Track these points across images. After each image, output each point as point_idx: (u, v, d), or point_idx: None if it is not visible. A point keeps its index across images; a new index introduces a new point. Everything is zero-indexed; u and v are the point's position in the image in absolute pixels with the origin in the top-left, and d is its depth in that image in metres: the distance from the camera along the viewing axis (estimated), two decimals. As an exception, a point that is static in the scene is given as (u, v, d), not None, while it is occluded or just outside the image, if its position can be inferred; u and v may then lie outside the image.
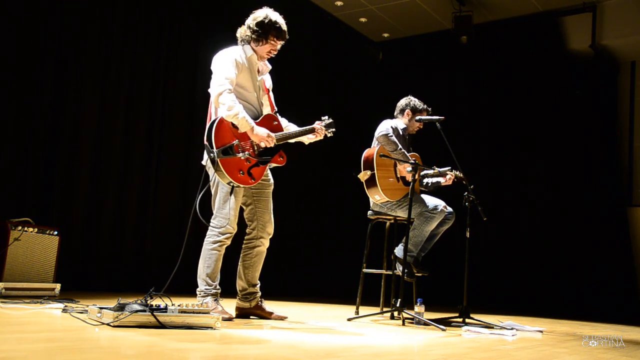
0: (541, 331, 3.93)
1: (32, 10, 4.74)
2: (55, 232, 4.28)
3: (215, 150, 3.14)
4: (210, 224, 3.39)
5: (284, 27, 3.47)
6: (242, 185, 3.29)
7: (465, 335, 3.47)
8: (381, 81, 7.95)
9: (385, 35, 8.19)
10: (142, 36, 5.61)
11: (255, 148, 3.33)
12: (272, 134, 3.35)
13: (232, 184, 3.25)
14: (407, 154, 4.19)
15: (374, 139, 4.32)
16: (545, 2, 7.05)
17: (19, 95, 4.68)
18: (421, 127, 4.47)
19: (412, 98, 4.51)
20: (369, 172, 4.19)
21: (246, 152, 3.24)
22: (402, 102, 4.51)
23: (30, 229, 4.12)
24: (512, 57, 7.55)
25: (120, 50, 5.42)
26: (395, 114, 4.52)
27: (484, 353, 2.70)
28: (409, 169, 3.98)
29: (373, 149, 4.26)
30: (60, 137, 4.96)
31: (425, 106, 4.49)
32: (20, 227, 4.06)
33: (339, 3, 7.28)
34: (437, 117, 4.25)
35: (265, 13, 3.45)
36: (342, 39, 7.94)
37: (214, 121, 3.23)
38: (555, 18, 7.23)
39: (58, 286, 4.18)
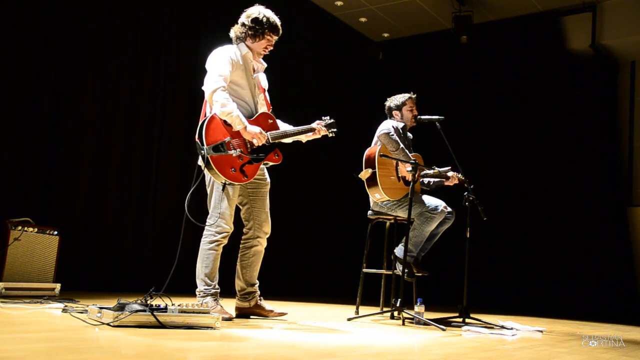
0: (541, 331, 3.93)
1: (32, 10, 4.74)
2: (55, 232, 4.28)
3: (205, 147, 3.13)
4: (206, 223, 3.39)
5: (279, 22, 3.53)
6: (235, 183, 3.28)
7: (465, 335, 3.47)
8: (381, 81, 7.95)
9: (385, 35, 8.19)
10: (142, 36, 5.62)
11: (248, 146, 3.33)
12: (265, 132, 3.35)
13: (225, 182, 3.24)
14: (409, 154, 4.19)
15: (375, 137, 4.32)
16: (545, 2, 7.05)
17: (19, 95, 4.68)
18: (415, 112, 4.43)
19: (389, 99, 4.50)
20: (370, 171, 4.18)
21: (238, 150, 3.23)
22: (386, 106, 4.51)
23: (30, 229, 4.12)
24: (512, 57, 7.54)
25: (120, 50, 5.42)
26: (388, 118, 4.51)
27: (484, 353, 2.70)
28: (409, 168, 3.98)
29: (375, 147, 4.25)
30: (60, 137, 4.96)
31: (407, 95, 4.45)
32: (20, 227, 4.06)
33: (339, 3, 7.28)
34: (437, 117, 4.26)
35: (259, 10, 3.50)
36: (342, 39, 7.95)
37: (205, 119, 3.22)
38: (555, 18, 7.23)
39: (58, 286, 4.18)
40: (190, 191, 3.18)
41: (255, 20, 3.45)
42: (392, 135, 4.18)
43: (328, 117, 3.70)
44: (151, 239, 5.59)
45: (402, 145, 4.17)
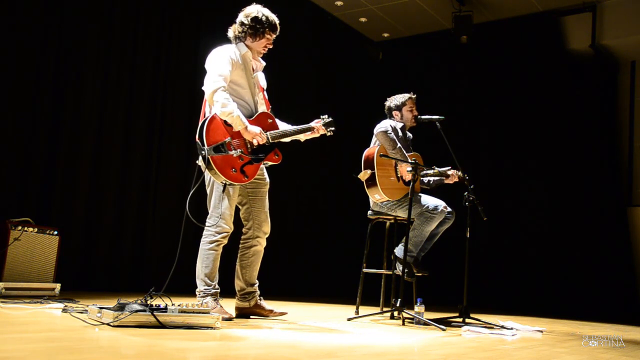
0: (541, 331, 3.93)
1: (32, 10, 4.74)
2: (55, 232, 4.28)
3: (206, 147, 3.13)
4: (206, 223, 3.39)
5: (277, 20, 3.55)
6: (235, 183, 3.28)
7: (465, 335, 3.47)
8: (381, 81, 7.95)
9: (385, 35, 8.19)
10: (142, 36, 5.62)
11: (249, 146, 3.33)
12: (265, 132, 3.35)
13: (225, 182, 3.24)
14: (406, 153, 4.19)
15: (373, 136, 4.32)
16: (545, 2, 7.05)
17: (19, 95, 4.68)
18: (415, 113, 4.43)
19: (389, 99, 4.50)
20: (369, 172, 4.18)
21: (238, 150, 3.23)
22: (385, 106, 4.50)
23: (30, 229, 4.12)
24: (512, 57, 7.55)
25: (120, 50, 5.42)
26: (388, 118, 4.51)
27: (484, 353, 2.70)
28: (409, 169, 3.98)
29: (374, 148, 4.25)
30: (60, 137, 4.96)
31: (407, 96, 4.45)
32: (20, 227, 4.06)
33: (339, 3, 7.28)
34: (437, 117, 4.25)
35: (257, 9, 3.51)
36: (342, 39, 7.95)
37: (205, 119, 3.23)
38: (555, 18, 7.23)
39: (58, 286, 4.18)
40: (191, 192, 3.17)
41: (255, 19, 3.46)
42: (390, 134, 4.18)
43: (326, 116, 3.70)
44: (151, 239, 5.59)
45: (399, 145, 4.16)
